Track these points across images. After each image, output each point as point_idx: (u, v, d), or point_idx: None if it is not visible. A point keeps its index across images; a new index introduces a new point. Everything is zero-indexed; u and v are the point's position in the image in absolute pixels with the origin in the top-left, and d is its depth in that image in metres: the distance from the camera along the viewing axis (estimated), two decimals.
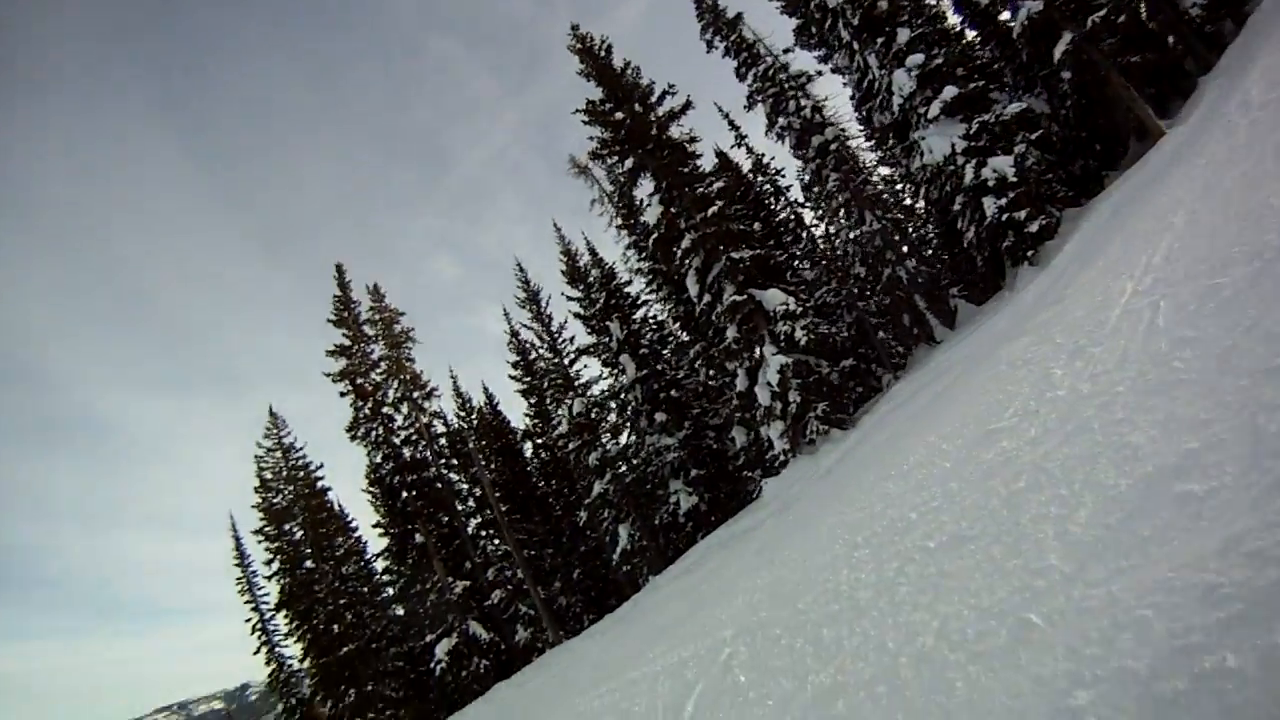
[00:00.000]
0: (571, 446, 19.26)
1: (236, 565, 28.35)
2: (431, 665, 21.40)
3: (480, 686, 20.72)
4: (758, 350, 15.38)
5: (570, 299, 21.37)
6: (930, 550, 4.17)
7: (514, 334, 25.74)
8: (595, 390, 20.28)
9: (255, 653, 27.61)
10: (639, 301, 21.38)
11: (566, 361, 21.25)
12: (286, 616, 25.89)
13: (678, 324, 20.62)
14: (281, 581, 25.44)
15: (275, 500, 25.77)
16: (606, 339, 19.96)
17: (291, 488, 25.55)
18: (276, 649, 27.80)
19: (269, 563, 25.76)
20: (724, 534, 15.35)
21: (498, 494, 20.83)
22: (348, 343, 22.73)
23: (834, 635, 4.16)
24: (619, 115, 17.67)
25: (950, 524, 4.29)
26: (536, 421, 24.98)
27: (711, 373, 19.19)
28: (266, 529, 25.61)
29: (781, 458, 15.22)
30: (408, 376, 22.26)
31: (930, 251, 21.21)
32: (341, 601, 24.36)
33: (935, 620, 3.38)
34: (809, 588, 5.38)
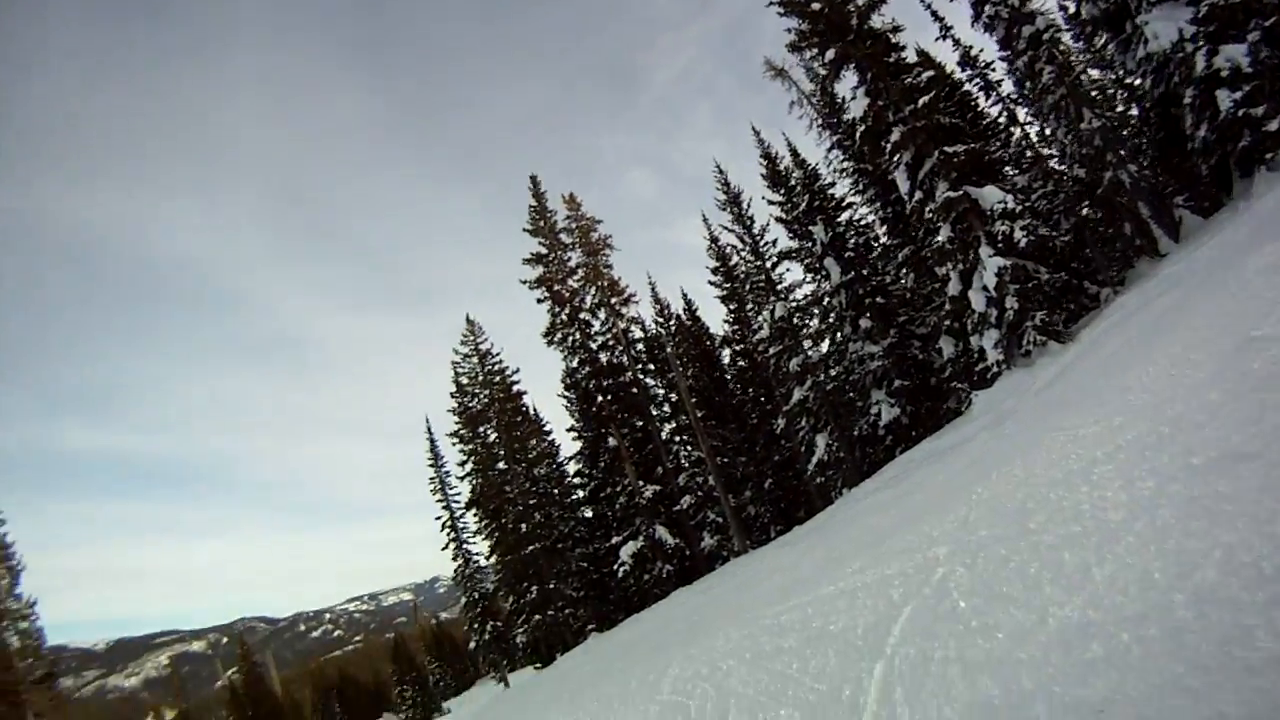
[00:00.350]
0: (772, 352, 21.37)
1: (430, 466, 34.68)
2: (615, 567, 25.51)
3: (661, 591, 24.18)
4: (972, 252, 15.98)
5: (771, 203, 22.87)
6: (1195, 468, 4.02)
7: (713, 239, 27.97)
8: (797, 295, 22.26)
9: (444, 548, 33.93)
10: (843, 204, 22.51)
11: (768, 265, 23.24)
12: (476, 515, 31.53)
13: (884, 227, 21.55)
14: (474, 481, 30.99)
15: (471, 404, 31.06)
16: (809, 243, 21.44)
17: (487, 392, 30.60)
18: (465, 545, 33.98)
19: (462, 464, 31.24)
20: (928, 448, 16.35)
21: (693, 400, 23.87)
22: (544, 250, 26.47)
23: (1078, 561, 4.00)
24: (815, 5, 18.32)
25: (1218, 439, 4.15)
26: (735, 328, 27.41)
27: (920, 277, 20.19)
28: (461, 431, 31.01)
29: (994, 369, 15.96)
30: (605, 283, 25.57)
31: (1147, 162, 20.37)
32: (531, 502, 29.07)
33: (1216, 549, 3.22)
34: (1039, 506, 5.22)
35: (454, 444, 31.14)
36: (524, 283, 26.09)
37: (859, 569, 7.37)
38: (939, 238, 16.62)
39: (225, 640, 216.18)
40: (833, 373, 20.66)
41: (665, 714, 6.95)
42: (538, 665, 30.32)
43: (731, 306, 27.50)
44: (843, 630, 5.80)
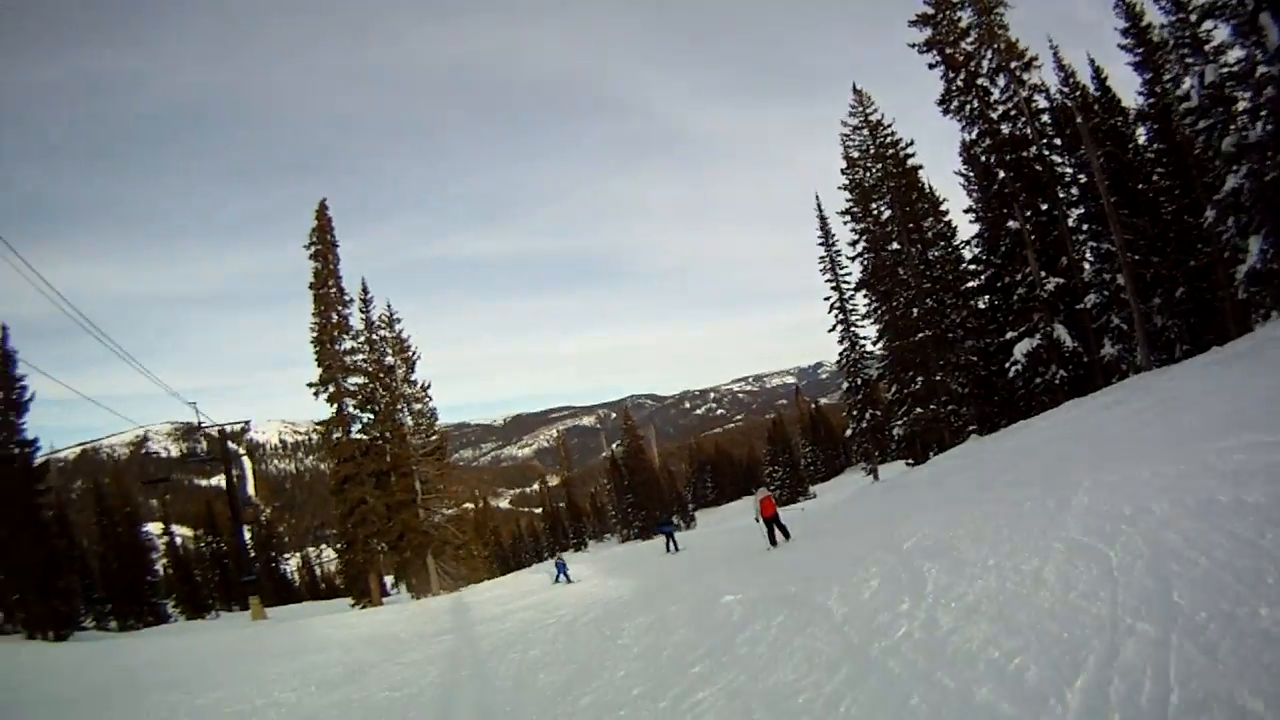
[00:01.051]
0: (1201, 125, 21.67)
1: (820, 245, 41.53)
2: (1006, 365, 29.17)
3: (1050, 399, 27.19)
4: None
5: None
6: None
7: None
8: (1229, 58, 21.82)
9: (830, 330, 41.37)
10: None
11: (1193, 18, 22.63)
12: (866, 297, 37.81)
13: None
14: (865, 261, 37.23)
15: (862, 178, 36.26)
16: None
17: (879, 165, 35.36)
18: (852, 328, 40.92)
19: (854, 243, 37.02)
20: None
21: (1106, 183, 26.04)
22: (931, 10, 29.26)
23: None
24: None
25: None
26: (1150, 101, 27.46)
27: None
28: (853, 209, 36.47)
29: None
30: (1001, 45, 27.65)
31: None
32: (924, 285, 34.08)
33: None
34: None
35: (845, 222, 37.17)
36: (912, 46, 29.31)
37: None
38: None
39: (613, 415, 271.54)
40: (1277, 159, 20.88)
41: (1075, 562, 6.53)
42: (909, 462, 37.01)
43: (1146, 76, 27.34)
44: None
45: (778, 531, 18.08)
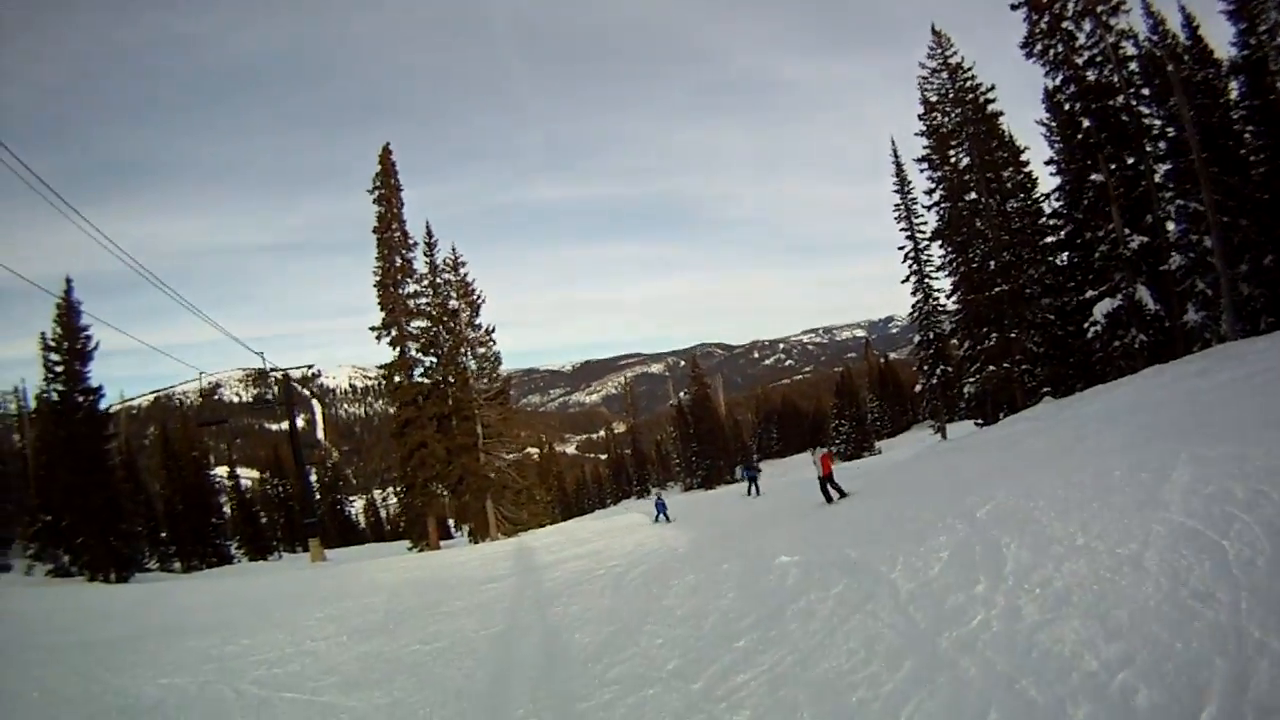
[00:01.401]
0: None
1: (896, 192, 40.93)
2: (1084, 325, 28.62)
3: (1128, 364, 26.63)
4: None
5: None
6: None
7: None
8: None
9: (904, 281, 40.94)
10: None
11: None
12: (942, 247, 37.23)
13: None
14: (941, 210, 36.44)
15: (940, 123, 35.34)
16: None
17: (958, 110, 34.36)
18: (926, 279, 40.50)
19: (930, 192, 36.26)
20: None
21: (1198, 138, 25.13)
22: None
23: None
24: None
25: None
26: (1245, 54, 26.13)
27: None
28: (930, 155, 35.63)
29: None
30: None
31: None
32: (1003, 237, 33.34)
33: None
34: None
35: (921, 170, 36.36)
36: None
37: None
38: None
39: (681, 363, 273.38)
40: None
41: (1181, 550, 6.05)
42: (978, 422, 36.60)
43: (1240, 27, 26.05)
44: None
45: (832, 490, 18.66)
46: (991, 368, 34.25)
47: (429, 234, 39.56)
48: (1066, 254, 30.65)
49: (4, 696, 8.94)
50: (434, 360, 39.04)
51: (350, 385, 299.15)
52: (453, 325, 39.24)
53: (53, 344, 31.02)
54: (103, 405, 32.33)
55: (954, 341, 38.95)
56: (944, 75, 34.76)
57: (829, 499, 18.48)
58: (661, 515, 26.13)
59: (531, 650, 9.55)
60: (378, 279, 37.66)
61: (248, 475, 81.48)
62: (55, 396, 31.08)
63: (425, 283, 39.19)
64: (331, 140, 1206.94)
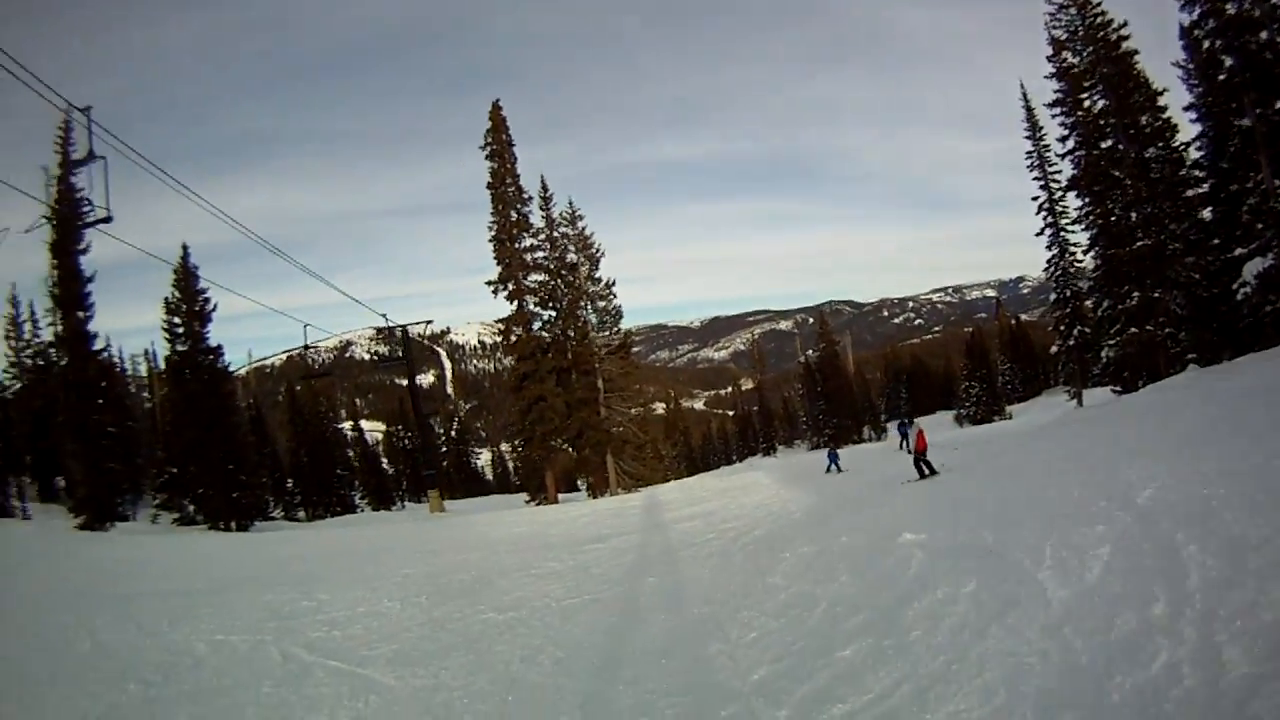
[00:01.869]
0: None
1: (1027, 138, 39.34)
2: (1233, 287, 27.14)
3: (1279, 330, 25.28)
4: None
5: None
6: None
7: None
8: None
9: (1038, 234, 39.55)
10: None
11: None
12: (1078, 197, 35.77)
13: None
14: (1075, 158, 34.84)
15: (1071, 63, 33.86)
16: None
17: (1090, 49, 32.65)
18: (1061, 233, 39.02)
19: (1063, 139, 34.80)
20: None
21: None
22: None
23: None
24: None
25: None
26: None
27: None
28: (1062, 100, 34.39)
29: None
30: None
31: None
32: (1142, 187, 31.58)
33: None
34: None
35: (1053, 115, 34.84)
36: None
37: None
38: None
39: (810, 321, 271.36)
40: None
41: None
42: (1116, 389, 35.14)
43: None
44: None
45: (925, 468, 18.83)
46: (1133, 329, 32.47)
47: (544, 188, 40.75)
48: (1210, 208, 29.05)
49: (55, 646, 8.95)
50: (553, 314, 40.30)
51: (480, 342, 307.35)
52: (571, 279, 40.40)
53: (174, 306, 33.97)
54: (223, 364, 35.30)
55: (1088, 304, 37.55)
56: (1072, 10, 33.11)
57: (921, 475, 18.60)
58: (834, 465, 28.64)
59: (605, 633, 8.72)
60: (493, 234, 39.07)
61: (375, 429, 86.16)
62: (177, 358, 34.00)
63: (542, 237, 40.36)
64: (454, 104, 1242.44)
